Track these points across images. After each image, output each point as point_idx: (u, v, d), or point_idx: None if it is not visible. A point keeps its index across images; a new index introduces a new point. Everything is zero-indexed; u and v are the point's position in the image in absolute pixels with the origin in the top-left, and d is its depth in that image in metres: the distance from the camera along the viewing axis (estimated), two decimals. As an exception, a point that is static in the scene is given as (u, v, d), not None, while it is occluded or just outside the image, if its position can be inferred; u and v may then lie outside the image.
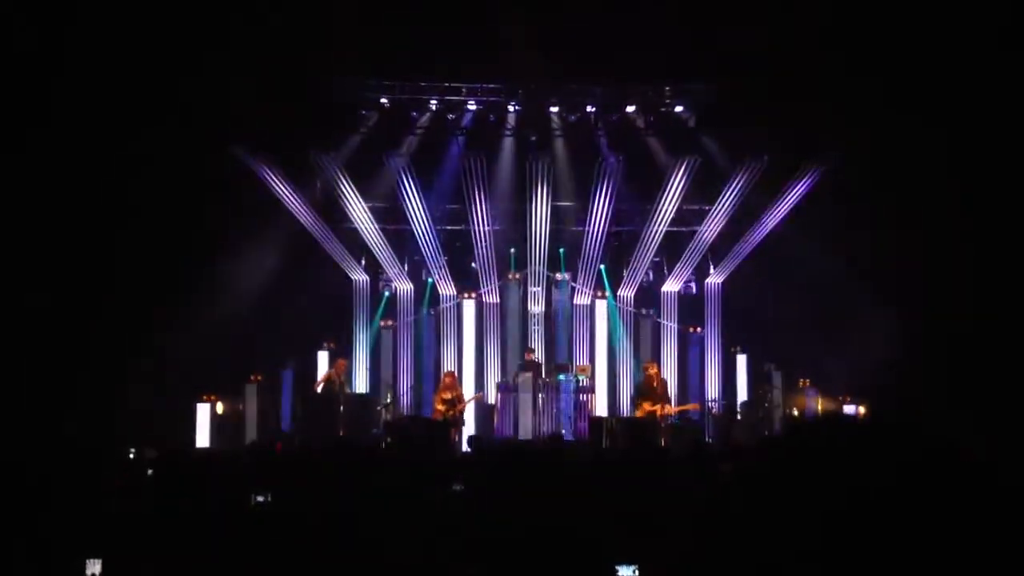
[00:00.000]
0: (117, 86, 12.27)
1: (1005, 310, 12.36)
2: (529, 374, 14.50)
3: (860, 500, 0.97)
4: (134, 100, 12.43)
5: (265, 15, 12.58)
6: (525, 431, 14.24)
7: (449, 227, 15.77)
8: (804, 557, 0.96)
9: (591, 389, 15.04)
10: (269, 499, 5.08)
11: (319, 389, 14.11)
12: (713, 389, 15.80)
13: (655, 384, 13.83)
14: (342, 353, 14.89)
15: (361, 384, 15.49)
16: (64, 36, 11.88)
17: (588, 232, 15.22)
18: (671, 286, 16.13)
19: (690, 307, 16.24)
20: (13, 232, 12.20)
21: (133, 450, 8.81)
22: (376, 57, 14.31)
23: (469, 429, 14.23)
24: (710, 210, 15.10)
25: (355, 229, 15.17)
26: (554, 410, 14.60)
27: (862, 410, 12.87)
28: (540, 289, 15.71)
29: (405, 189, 14.63)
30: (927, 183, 12.64)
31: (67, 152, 12.27)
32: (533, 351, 15.19)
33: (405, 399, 15.30)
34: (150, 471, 7.28)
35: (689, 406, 14.75)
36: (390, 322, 15.72)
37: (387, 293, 15.92)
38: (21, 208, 12.17)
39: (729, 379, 15.68)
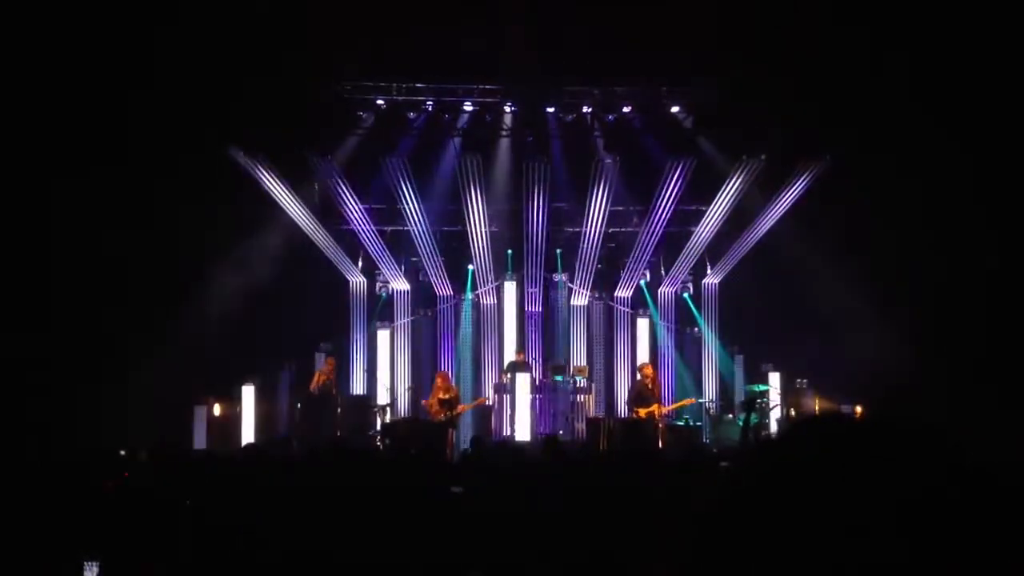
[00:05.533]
0: (116, 86, 12.24)
1: (1009, 312, 12.37)
2: (525, 375, 14.48)
3: (862, 500, 0.96)
4: (130, 100, 12.40)
5: (262, 16, 12.56)
6: (523, 432, 14.22)
7: (446, 228, 15.74)
8: (805, 559, 0.95)
9: (589, 390, 15.02)
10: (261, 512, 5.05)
11: (315, 390, 14.08)
12: (711, 390, 15.79)
13: (651, 387, 13.70)
14: (336, 354, 14.87)
15: (358, 386, 15.47)
16: (63, 35, 11.85)
17: (585, 233, 15.21)
18: (668, 287, 16.13)
19: (686, 307, 16.24)
20: (9, 234, 12.19)
21: (123, 451, 8.78)
22: (372, 58, 14.29)
23: (466, 429, 14.20)
24: (707, 211, 15.08)
25: (352, 230, 15.15)
26: (551, 411, 14.57)
27: (859, 410, 12.85)
28: (537, 290, 15.70)
29: (402, 190, 14.61)
30: (925, 182, 12.64)
31: (62, 154, 12.24)
32: (522, 352, 15.18)
33: (402, 401, 15.27)
34: (144, 473, 7.25)
35: (685, 402, 14.64)
36: (387, 323, 15.71)
37: (384, 294, 15.90)
38: (16, 211, 12.15)
39: (727, 380, 15.67)
